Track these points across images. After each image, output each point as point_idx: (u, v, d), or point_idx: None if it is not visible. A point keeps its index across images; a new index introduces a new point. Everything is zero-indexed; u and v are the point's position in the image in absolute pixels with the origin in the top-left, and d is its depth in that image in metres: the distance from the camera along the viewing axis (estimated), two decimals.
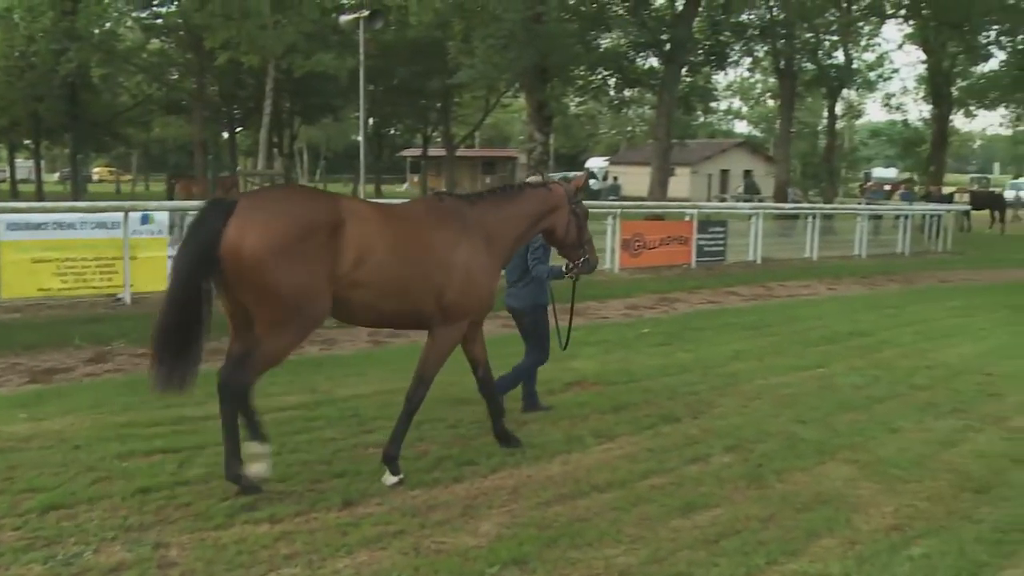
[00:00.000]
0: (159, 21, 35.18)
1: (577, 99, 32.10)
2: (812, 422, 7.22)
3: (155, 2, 34.02)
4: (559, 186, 6.34)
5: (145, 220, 12.38)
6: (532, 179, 6.69)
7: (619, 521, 5.09)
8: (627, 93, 28.94)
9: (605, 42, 27.57)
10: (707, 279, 16.88)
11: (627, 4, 26.03)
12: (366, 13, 21.30)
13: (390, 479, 5.53)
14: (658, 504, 5.35)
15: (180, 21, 32.05)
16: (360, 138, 25.29)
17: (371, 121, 44.15)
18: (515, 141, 75.80)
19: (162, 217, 12.56)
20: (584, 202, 6.57)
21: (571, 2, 24.58)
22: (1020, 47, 39.05)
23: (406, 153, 66.67)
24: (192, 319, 4.88)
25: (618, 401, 7.67)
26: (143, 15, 34.30)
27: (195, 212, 5.46)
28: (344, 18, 22.27)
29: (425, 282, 5.41)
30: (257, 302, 4.91)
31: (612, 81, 27.53)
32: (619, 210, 17.61)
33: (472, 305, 5.69)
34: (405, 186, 66.25)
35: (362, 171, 22.41)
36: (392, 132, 52.76)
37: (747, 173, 50.88)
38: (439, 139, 48.50)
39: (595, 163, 60.14)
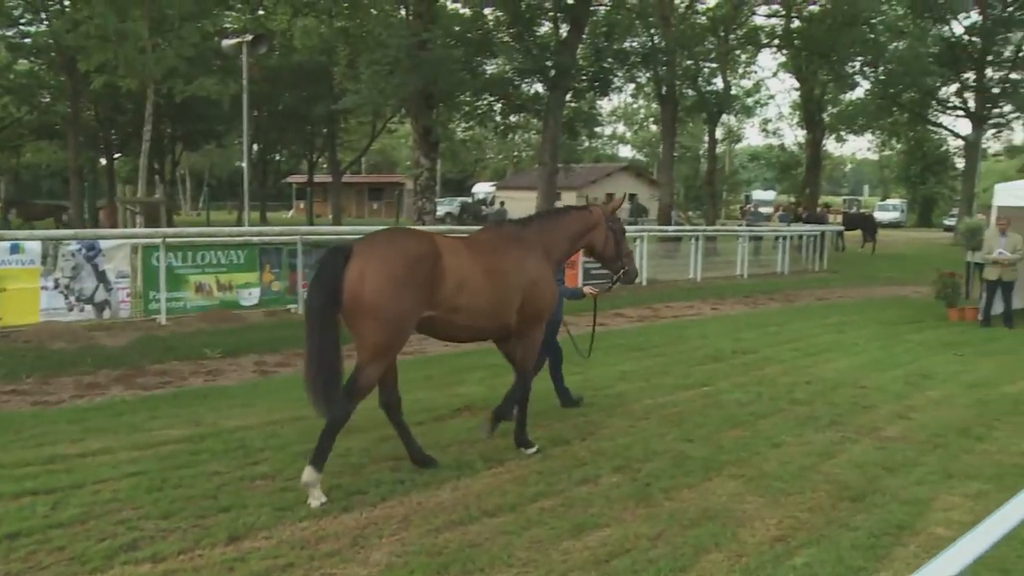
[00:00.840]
0: (27, 40, 33.73)
1: (463, 124, 32.28)
2: (699, 439, 7.38)
3: (22, 20, 32.61)
4: (597, 207, 7.40)
5: (15, 249, 11.81)
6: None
7: (510, 545, 5.08)
8: (513, 118, 29.28)
9: (491, 68, 27.86)
10: (591, 303, 17.04)
11: (512, 31, 26.38)
12: (250, 38, 20.91)
13: (530, 451, 6.86)
14: (548, 527, 5.37)
15: (50, 42, 30.82)
16: (244, 164, 24.76)
17: (256, 147, 43.30)
18: (402, 167, 75.67)
19: (33, 247, 12.01)
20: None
21: (456, 28, 24.78)
22: (882, 78, 41.29)
23: (292, 179, 65.66)
24: (330, 345, 5.64)
25: (507, 425, 7.66)
26: (8, 33, 32.83)
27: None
28: (227, 42, 21.78)
29: (509, 301, 6.40)
30: (369, 328, 5.68)
31: (498, 107, 27.83)
32: None
33: (544, 309, 6.74)
34: (291, 213, 65.13)
35: (246, 198, 21.93)
36: (277, 158, 51.88)
37: (632, 197, 52.00)
38: (325, 165, 48.00)
39: (482, 188, 60.53)
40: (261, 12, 32.52)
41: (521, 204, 46.93)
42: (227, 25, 31.75)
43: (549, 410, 8.24)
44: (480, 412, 8.13)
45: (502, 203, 41.30)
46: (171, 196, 43.19)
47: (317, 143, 46.56)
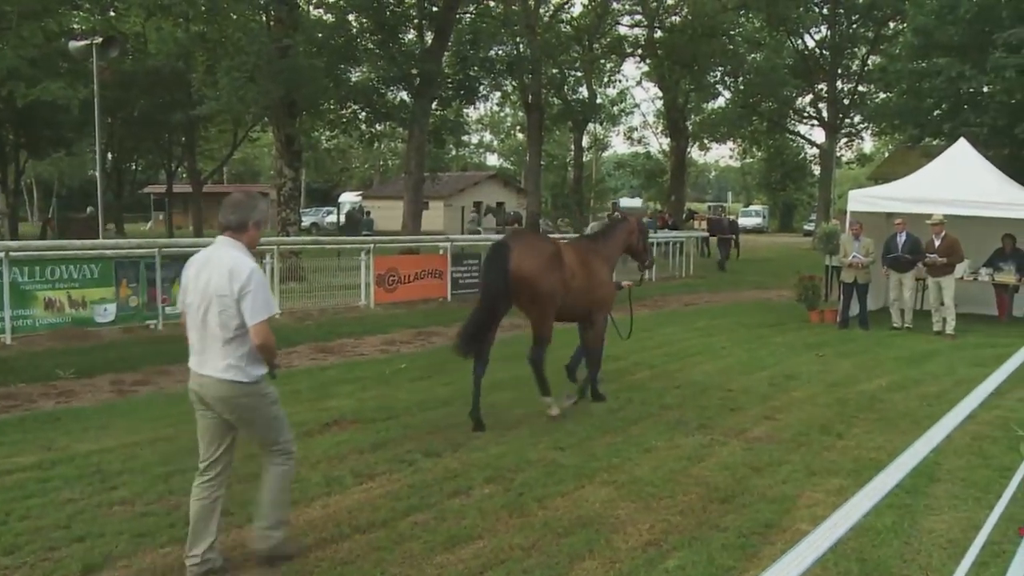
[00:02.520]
0: None
1: (328, 133, 31.83)
2: (571, 447, 7.46)
3: None
4: (633, 218, 10.52)
5: None
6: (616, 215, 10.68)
7: (383, 561, 5.00)
8: (378, 127, 29.01)
9: (355, 76, 27.55)
10: (464, 312, 17.05)
11: (376, 38, 26.16)
12: (100, 40, 19.97)
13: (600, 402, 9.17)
14: (422, 541, 5.31)
15: None
16: (97, 173, 23.59)
17: (110, 155, 41.45)
18: (265, 176, 73.97)
19: None
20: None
21: (319, 35, 24.35)
22: (742, 87, 42.99)
23: (149, 189, 63.14)
24: (491, 319, 8.14)
25: (377, 438, 7.59)
26: None
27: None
28: (74, 44, 20.72)
29: (592, 290, 8.81)
30: (532, 302, 8.23)
31: (363, 115, 27.50)
32: (372, 245, 17.56)
33: (607, 301, 9.21)
34: (149, 224, 62.57)
35: (100, 209, 20.87)
36: (133, 167, 49.75)
37: (500, 205, 52.41)
38: (185, 175, 46.38)
39: (348, 198, 59.80)
40: (112, 13, 31.17)
41: (388, 213, 46.77)
42: (75, 25, 30.33)
43: (420, 423, 8.18)
44: (350, 426, 8.00)
45: (368, 212, 40.88)
46: (15, 207, 40.85)
47: (176, 152, 44.88)
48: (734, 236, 32.43)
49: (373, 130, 28.65)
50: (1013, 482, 4.03)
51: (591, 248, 9.22)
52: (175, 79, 33.29)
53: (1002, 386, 9.42)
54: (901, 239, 15.41)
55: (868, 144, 67.20)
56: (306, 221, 47.87)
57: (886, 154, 59.35)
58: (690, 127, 48.90)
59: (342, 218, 44.94)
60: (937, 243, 15.09)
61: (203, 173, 45.19)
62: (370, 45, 26.33)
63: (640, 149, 62.74)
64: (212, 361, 4.67)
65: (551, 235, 10.04)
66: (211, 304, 4.63)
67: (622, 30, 42.99)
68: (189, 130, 39.28)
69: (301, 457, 6.86)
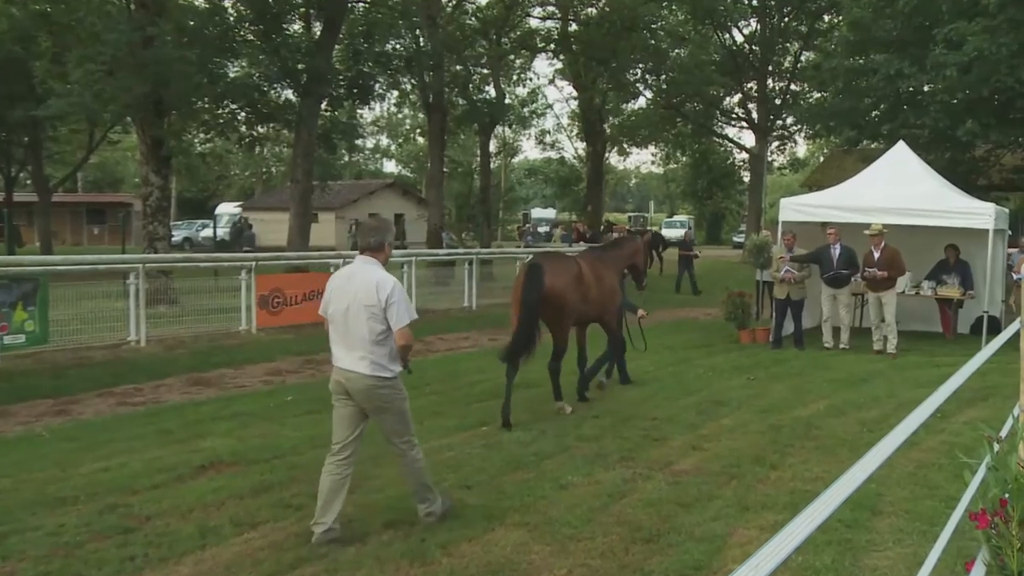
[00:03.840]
0: None
1: (202, 136, 31.22)
2: (478, 485, 7.44)
3: None
4: (640, 237, 13.34)
5: None
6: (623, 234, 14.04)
7: None
8: (260, 129, 28.70)
9: (233, 71, 27.16)
10: None
11: (257, 29, 25.88)
12: None
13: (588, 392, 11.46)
14: None
15: None
16: None
17: None
18: (129, 184, 72.31)
19: None
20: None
21: (190, 23, 23.88)
22: (664, 86, 43.77)
23: None
24: (533, 331, 9.95)
25: (260, 482, 7.46)
26: None
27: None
28: None
29: (605, 300, 11.09)
30: (558, 316, 10.24)
31: (242, 116, 27.14)
32: (254, 262, 17.31)
33: (615, 308, 11.53)
34: None
35: None
36: None
37: (398, 217, 52.25)
38: (29, 181, 44.79)
39: (226, 209, 58.89)
40: None
41: (272, 227, 46.15)
42: None
43: (310, 462, 8.06)
44: (228, 468, 7.84)
45: (250, 226, 40.22)
46: None
47: (17, 154, 43.28)
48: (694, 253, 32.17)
49: (254, 133, 28.33)
50: (957, 512, 4.16)
51: (601, 259, 11.53)
52: (14, 69, 31.81)
53: (947, 409, 9.79)
54: (835, 251, 15.81)
55: (802, 148, 69.20)
56: (178, 236, 46.90)
57: (821, 159, 61.15)
58: (608, 130, 49.64)
59: (220, 232, 44.15)
60: (876, 255, 15.41)
61: (52, 180, 43.63)
62: (250, 36, 26.05)
63: (553, 155, 63.48)
64: (359, 359, 6.21)
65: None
66: (359, 312, 6.18)
67: (533, 23, 43.49)
68: (34, 130, 37.80)
69: (170, 507, 6.73)
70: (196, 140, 32.42)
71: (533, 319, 9.91)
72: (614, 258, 11.81)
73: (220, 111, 26.75)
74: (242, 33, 26.05)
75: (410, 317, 6.21)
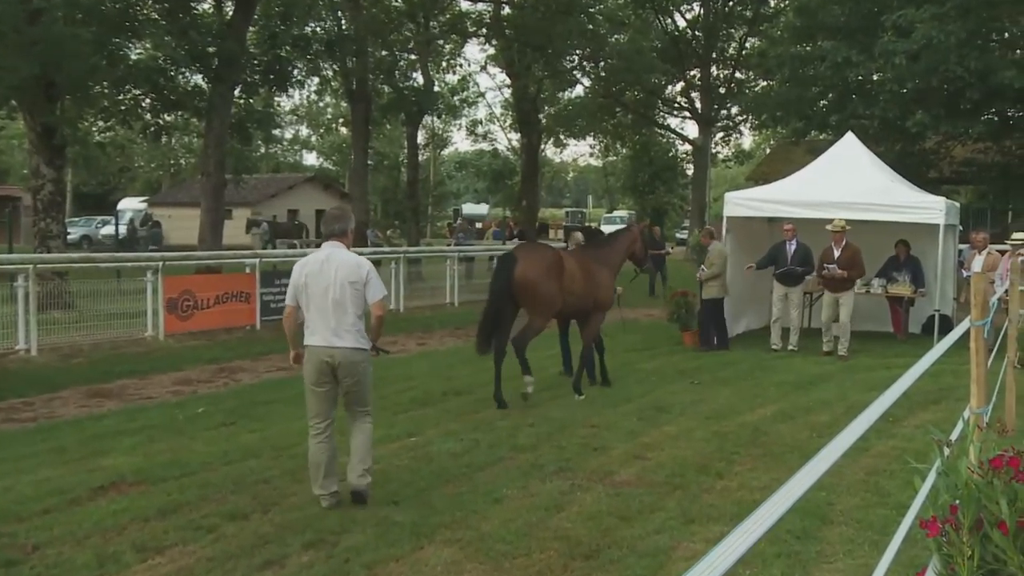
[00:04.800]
0: None
1: (101, 124, 30.64)
2: (406, 500, 7.42)
3: None
4: (638, 227, 14.13)
5: None
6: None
7: None
8: (167, 117, 28.23)
9: (136, 53, 26.71)
10: (276, 342, 16.77)
11: (161, 7, 25.47)
12: None
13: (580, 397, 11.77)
14: None
15: None
16: None
17: None
18: (16, 176, 70.65)
19: None
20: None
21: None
22: (603, 74, 44.00)
23: None
24: (501, 319, 11.19)
25: (167, 502, 7.34)
26: None
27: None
28: None
29: (592, 292, 11.92)
30: (532, 303, 11.24)
31: (146, 102, 26.68)
32: (162, 263, 17.06)
33: (605, 303, 12.45)
34: None
35: None
36: None
37: (319, 213, 51.75)
38: None
39: (130, 204, 57.91)
40: None
41: (181, 224, 45.55)
42: None
43: (222, 480, 7.97)
44: (131, 488, 7.71)
45: (157, 222, 39.64)
46: None
47: None
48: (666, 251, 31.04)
49: (160, 121, 27.80)
50: (907, 520, 4.24)
51: (596, 255, 12.40)
52: None
53: (897, 413, 9.99)
54: (791, 248, 16.07)
55: (747, 139, 70.01)
56: (75, 233, 45.98)
57: (767, 150, 62.06)
58: (544, 120, 49.74)
59: (122, 229, 43.42)
60: (837, 253, 15.61)
61: None
62: (154, 15, 25.58)
63: (486, 146, 63.67)
64: (344, 335, 7.16)
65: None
66: (344, 289, 7.12)
67: (464, 5, 43.45)
68: None
69: (62, 534, 6.60)
70: (94, 128, 31.81)
71: (498, 307, 11.13)
72: (612, 254, 12.68)
73: (121, 96, 26.23)
74: (145, 11, 25.56)
75: (384, 292, 7.38)
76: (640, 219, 74.87)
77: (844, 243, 15.58)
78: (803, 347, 16.08)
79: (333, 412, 7.41)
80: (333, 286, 7.13)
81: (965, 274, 17.00)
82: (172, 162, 75.38)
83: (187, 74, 27.29)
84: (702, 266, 16.26)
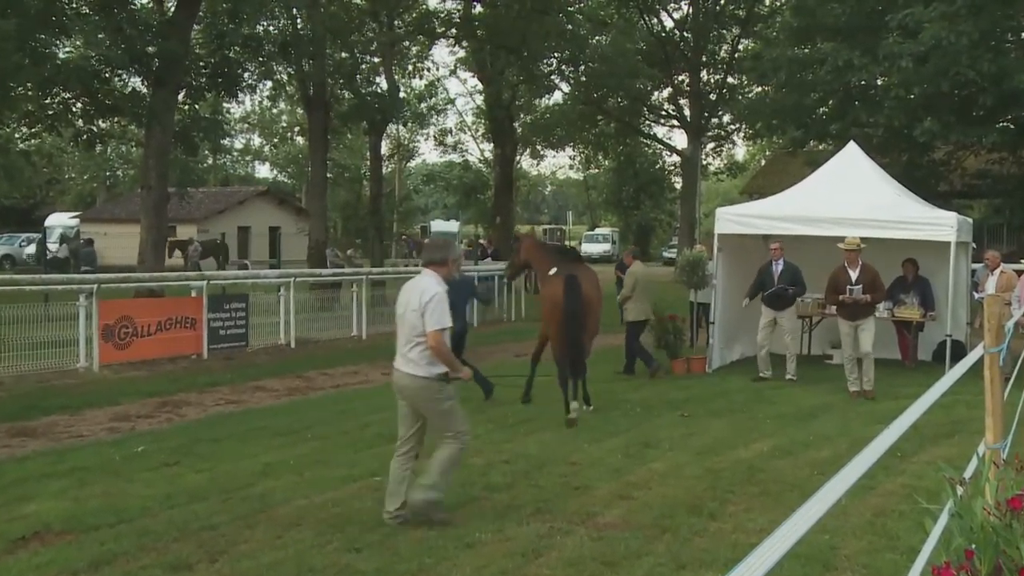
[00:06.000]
0: None
1: (25, 130, 30.47)
2: (369, 547, 7.37)
3: None
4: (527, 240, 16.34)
5: None
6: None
7: None
8: (102, 124, 28.17)
9: (65, 52, 26.60)
10: (225, 372, 16.78)
11: (94, 1, 25.36)
12: None
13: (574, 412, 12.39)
14: None
15: None
16: None
17: None
18: None
19: None
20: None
21: None
22: (583, 79, 44.07)
23: None
24: (580, 339, 12.89)
25: (100, 553, 7.26)
26: None
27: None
28: None
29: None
30: (589, 323, 13.11)
31: (77, 107, 26.57)
32: (96, 285, 16.96)
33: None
34: None
35: None
36: None
37: (273, 231, 51.66)
38: None
39: (59, 220, 57.59)
40: None
41: (118, 242, 45.24)
42: None
43: (164, 527, 7.90)
44: (59, 538, 7.61)
45: (89, 240, 39.34)
46: None
47: None
48: None
49: (93, 128, 27.74)
50: (918, 566, 4.24)
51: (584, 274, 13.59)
52: None
53: (907, 447, 10.02)
54: (777, 268, 16.01)
55: (740, 150, 70.61)
56: None
57: (762, 162, 62.49)
58: (519, 129, 49.85)
59: (54, 249, 43.12)
60: (854, 275, 14.79)
61: None
62: (85, 10, 25.46)
63: (456, 158, 63.60)
64: (406, 361, 7.98)
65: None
66: (409, 316, 7.94)
67: (431, 3, 43.56)
68: None
69: None
70: (17, 135, 31.64)
71: (577, 330, 12.68)
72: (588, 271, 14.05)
73: (48, 100, 26.11)
74: (74, 4, 25.42)
75: (442, 324, 7.83)
76: (624, 238, 75.41)
77: (860, 264, 14.85)
78: (802, 376, 16.07)
79: (414, 435, 8.17)
80: (406, 312, 8.04)
81: (977, 296, 17.06)
82: (108, 173, 75.10)
83: (124, 76, 27.23)
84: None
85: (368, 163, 46.73)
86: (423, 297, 7.89)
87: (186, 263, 38.21)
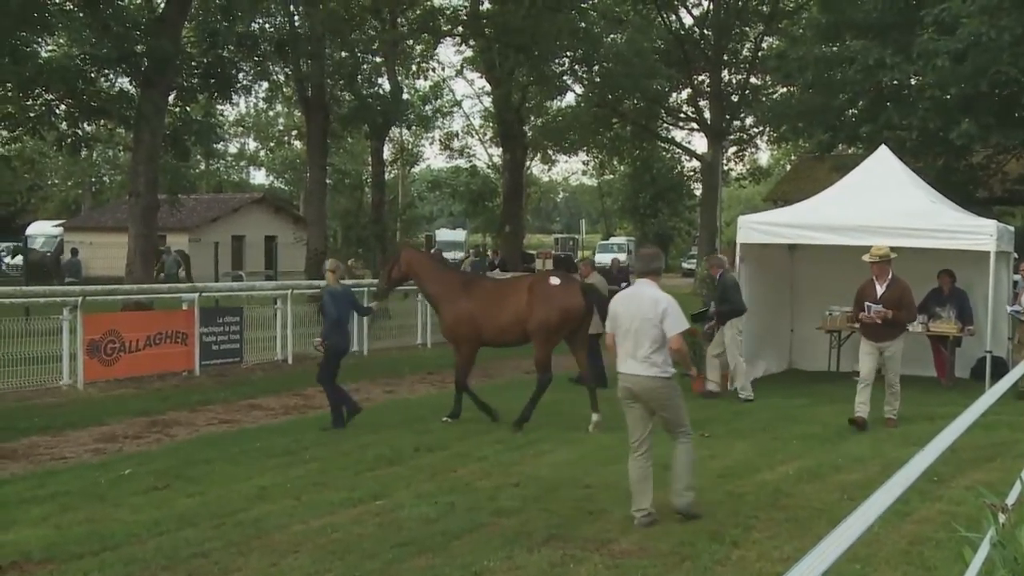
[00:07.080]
0: None
1: (5, 134, 30.55)
2: (370, 575, 7.35)
3: None
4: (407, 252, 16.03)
5: None
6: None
7: None
8: (87, 127, 28.22)
9: (48, 51, 26.67)
10: (218, 390, 16.78)
11: None
12: None
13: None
14: None
15: None
16: None
17: None
18: None
19: None
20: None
21: None
22: (597, 79, 43.98)
23: None
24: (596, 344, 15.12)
25: None
26: None
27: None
28: None
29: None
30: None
31: (61, 108, 26.63)
32: (81, 297, 16.98)
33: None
34: None
35: None
36: None
37: (269, 240, 51.77)
38: None
39: (42, 228, 57.76)
40: None
41: (105, 252, 45.34)
42: None
43: (152, 554, 7.90)
44: (39, 568, 7.60)
45: (74, 250, 39.46)
46: None
47: None
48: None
49: (78, 131, 27.77)
50: None
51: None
52: None
53: (944, 471, 9.97)
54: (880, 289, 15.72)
55: (764, 154, 70.55)
56: None
57: (787, 167, 62.40)
58: (529, 133, 49.84)
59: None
60: (880, 289, 13.74)
61: None
62: (70, 6, 25.53)
63: (463, 163, 63.58)
64: (639, 364, 8.96)
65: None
66: (644, 324, 8.91)
67: (436, 0, 43.61)
68: None
69: None
70: None
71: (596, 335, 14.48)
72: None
73: (30, 101, 26.15)
74: (57, 1, 25.46)
75: (682, 327, 9.06)
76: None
77: (890, 276, 13.79)
78: (830, 394, 15.97)
79: (648, 436, 9.19)
80: (634, 320, 9.02)
81: (1009, 309, 16.92)
82: (93, 179, 75.29)
83: (111, 76, 27.29)
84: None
85: (370, 168, 46.72)
86: (658, 306, 8.94)
87: (161, 272, 38.08)
